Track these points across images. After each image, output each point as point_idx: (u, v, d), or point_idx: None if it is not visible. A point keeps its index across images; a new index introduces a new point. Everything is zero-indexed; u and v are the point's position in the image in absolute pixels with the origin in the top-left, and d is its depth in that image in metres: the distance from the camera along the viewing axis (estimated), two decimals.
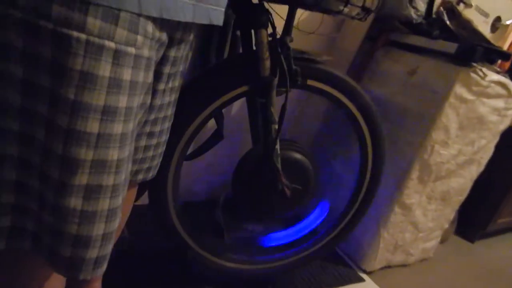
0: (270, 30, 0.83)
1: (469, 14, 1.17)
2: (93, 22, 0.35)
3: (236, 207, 1.13)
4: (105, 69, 0.38)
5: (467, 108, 1.18)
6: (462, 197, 1.46)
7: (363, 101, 1.03)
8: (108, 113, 0.40)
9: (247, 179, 0.99)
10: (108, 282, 0.85)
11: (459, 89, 1.13)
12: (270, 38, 0.81)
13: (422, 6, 1.18)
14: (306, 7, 0.86)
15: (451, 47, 1.12)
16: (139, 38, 0.40)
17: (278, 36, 0.82)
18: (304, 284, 1.20)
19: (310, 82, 0.94)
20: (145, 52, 0.42)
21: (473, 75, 1.11)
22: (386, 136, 1.11)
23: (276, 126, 0.84)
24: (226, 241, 1.19)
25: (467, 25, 1.17)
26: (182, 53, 0.55)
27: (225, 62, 0.99)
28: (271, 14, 0.81)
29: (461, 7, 1.17)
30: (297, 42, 1.05)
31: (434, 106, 1.15)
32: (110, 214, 0.45)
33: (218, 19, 0.51)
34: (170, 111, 0.62)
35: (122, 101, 0.41)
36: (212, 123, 0.94)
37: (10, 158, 0.40)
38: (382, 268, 1.40)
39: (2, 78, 0.36)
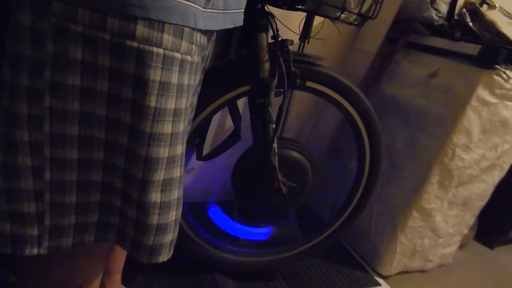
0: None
1: (492, 15, 1.14)
2: (168, 38, 0.41)
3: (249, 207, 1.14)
4: (175, 77, 0.44)
5: (490, 111, 1.15)
6: (483, 202, 1.42)
7: (362, 103, 1.02)
8: (176, 114, 0.46)
9: (245, 176, 1.01)
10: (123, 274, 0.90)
11: (482, 92, 1.10)
12: (272, 41, 0.83)
13: (443, 7, 1.16)
14: (306, 12, 0.88)
15: (473, 49, 1.10)
16: (193, 47, 0.46)
17: (279, 39, 0.84)
18: (318, 286, 1.20)
19: (309, 83, 0.95)
20: (196, 58, 0.48)
21: (496, 77, 1.09)
22: (396, 141, 1.08)
23: (274, 125, 0.87)
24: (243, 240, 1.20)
25: (490, 27, 1.14)
26: (209, 51, 0.61)
27: (230, 62, 1.01)
28: (273, 18, 0.83)
29: (484, 8, 1.15)
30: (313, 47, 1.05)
31: (455, 108, 1.13)
32: (178, 201, 0.52)
33: (240, 20, 0.56)
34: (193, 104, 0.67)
35: (183, 103, 0.47)
36: (229, 123, 0.94)
37: (97, 163, 0.45)
38: (399, 273, 1.38)
39: (91, 93, 0.41)
